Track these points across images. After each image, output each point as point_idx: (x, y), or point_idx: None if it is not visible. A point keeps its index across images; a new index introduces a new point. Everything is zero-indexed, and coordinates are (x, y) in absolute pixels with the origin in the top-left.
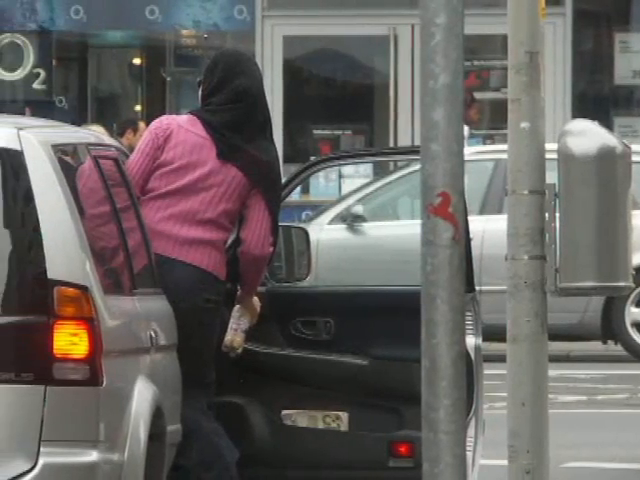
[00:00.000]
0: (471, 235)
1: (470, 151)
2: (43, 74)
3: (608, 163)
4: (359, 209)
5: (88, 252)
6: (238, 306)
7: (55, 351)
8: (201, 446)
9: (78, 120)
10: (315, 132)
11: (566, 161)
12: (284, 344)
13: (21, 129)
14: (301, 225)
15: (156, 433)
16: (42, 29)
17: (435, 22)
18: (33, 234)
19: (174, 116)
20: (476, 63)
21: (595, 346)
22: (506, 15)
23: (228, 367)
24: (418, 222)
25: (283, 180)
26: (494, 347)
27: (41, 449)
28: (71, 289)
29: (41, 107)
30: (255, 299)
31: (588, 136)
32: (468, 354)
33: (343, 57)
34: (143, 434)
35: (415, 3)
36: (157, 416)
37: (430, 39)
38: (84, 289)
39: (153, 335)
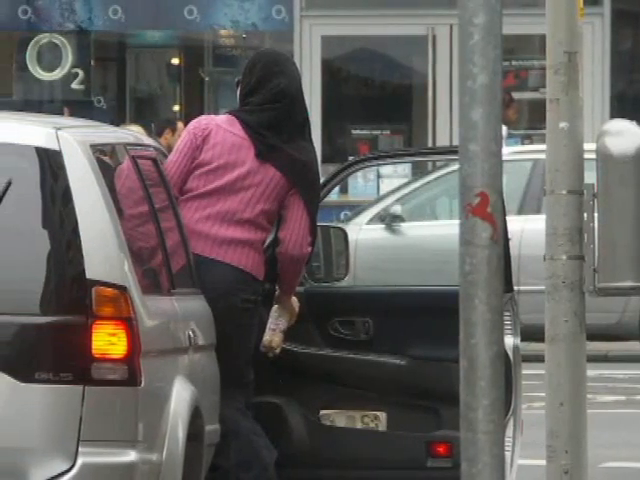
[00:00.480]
0: (509, 235)
1: (508, 151)
2: (81, 74)
3: None
4: (397, 209)
5: (126, 252)
6: (276, 306)
7: (94, 351)
8: (239, 446)
9: (116, 120)
10: (353, 132)
11: (604, 161)
12: (322, 344)
13: (59, 129)
14: (339, 225)
15: (194, 433)
16: (81, 29)
17: (473, 22)
18: (72, 234)
19: (212, 116)
20: (514, 63)
21: (633, 346)
22: (545, 15)
23: (266, 367)
24: (456, 222)
25: (321, 180)
26: (532, 347)
27: (80, 449)
28: (109, 289)
29: (79, 107)
30: (294, 299)
31: (626, 136)
32: (506, 354)
33: (381, 57)
34: (181, 434)
35: (453, 3)
36: (195, 416)
37: (468, 39)
38: (122, 289)
39: (191, 335)
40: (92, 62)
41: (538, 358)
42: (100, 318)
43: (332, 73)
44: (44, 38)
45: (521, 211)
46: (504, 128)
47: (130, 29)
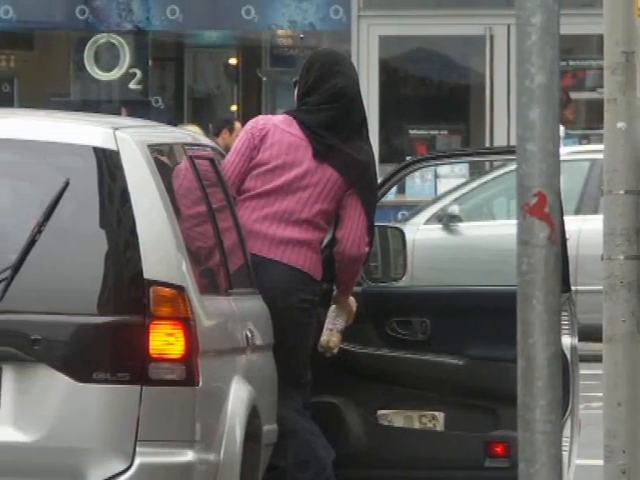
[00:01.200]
0: (567, 235)
1: (566, 151)
2: (139, 74)
3: None
4: (455, 209)
5: (184, 252)
6: (334, 306)
7: (151, 351)
8: (297, 446)
9: (174, 120)
10: (411, 132)
11: None
12: (380, 344)
13: (117, 129)
14: (397, 225)
15: (252, 433)
16: (138, 29)
17: (531, 22)
18: (129, 234)
19: (270, 116)
20: (572, 63)
21: None
22: (602, 15)
23: (324, 367)
24: (514, 222)
25: (379, 180)
26: (590, 347)
27: (137, 449)
28: (167, 289)
29: (137, 107)
30: (351, 299)
31: None
32: (564, 354)
33: (439, 57)
34: (239, 434)
35: (511, 3)
36: (253, 416)
37: (526, 39)
38: (180, 289)
39: (249, 335)
40: (150, 62)
41: (596, 358)
42: (158, 318)
43: (389, 73)
44: (102, 38)
45: (579, 211)
46: (561, 128)
47: (188, 29)
